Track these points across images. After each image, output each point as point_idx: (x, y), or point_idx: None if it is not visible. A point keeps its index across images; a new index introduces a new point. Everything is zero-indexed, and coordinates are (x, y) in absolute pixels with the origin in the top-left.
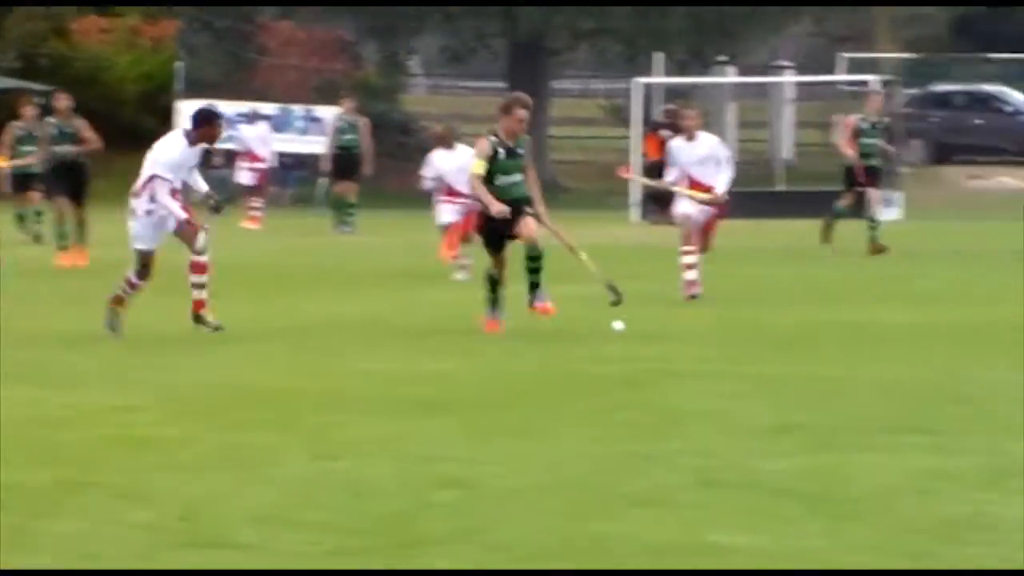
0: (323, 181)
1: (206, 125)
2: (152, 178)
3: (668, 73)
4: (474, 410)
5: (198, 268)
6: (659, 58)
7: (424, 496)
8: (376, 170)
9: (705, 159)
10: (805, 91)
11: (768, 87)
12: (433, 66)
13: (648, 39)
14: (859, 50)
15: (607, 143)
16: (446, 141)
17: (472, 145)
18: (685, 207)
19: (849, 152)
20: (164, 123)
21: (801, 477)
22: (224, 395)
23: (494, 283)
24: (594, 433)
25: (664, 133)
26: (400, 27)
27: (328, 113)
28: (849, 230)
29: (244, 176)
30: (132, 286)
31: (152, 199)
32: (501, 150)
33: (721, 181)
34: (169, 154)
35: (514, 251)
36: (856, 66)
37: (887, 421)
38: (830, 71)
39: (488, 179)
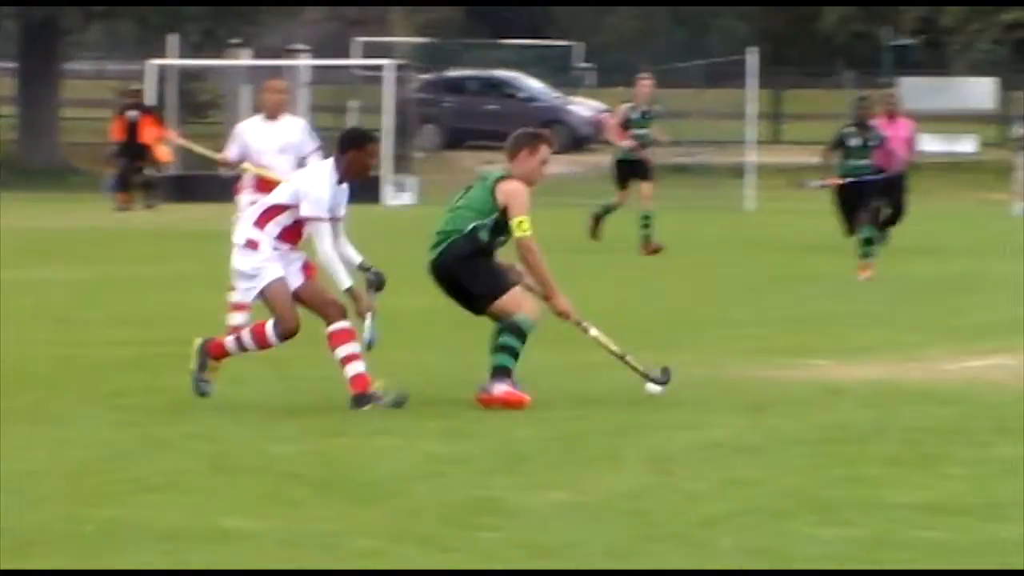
0: None
1: (353, 150)
2: (301, 218)
3: (182, 55)
4: None
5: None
6: (173, 40)
7: None
8: None
9: (286, 147)
10: (320, 75)
11: (283, 70)
12: None
13: (162, 20)
14: (373, 34)
15: None
16: None
17: None
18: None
19: (623, 142)
20: None
21: (312, 461)
22: None
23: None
24: (105, 417)
25: (130, 114)
26: None
27: None
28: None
29: None
30: (262, 342)
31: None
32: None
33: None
34: (320, 189)
35: None
36: (370, 50)
37: None
38: (345, 55)
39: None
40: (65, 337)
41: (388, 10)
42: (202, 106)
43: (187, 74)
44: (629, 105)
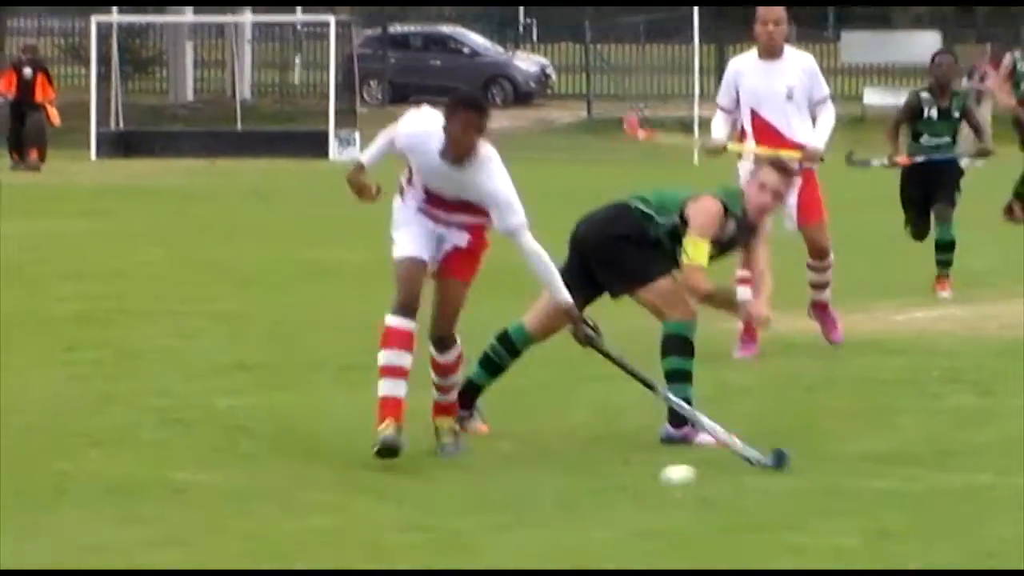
0: None
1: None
2: None
3: (123, 11)
4: None
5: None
6: None
7: None
8: None
9: (792, 91)
10: (263, 31)
11: (226, 27)
12: None
13: None
14: None
15: (66, 82)
16: None
17: None
18: None
19: (1007, 101)
20: None
21: (262, 415)
22: None
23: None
24: (53, 373)
25: (25, 71)
26: None
27: None
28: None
29: None
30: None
31: None
32: None
33: None
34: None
35: None
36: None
37: (346, 359)
38: (287, 11)
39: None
40: (15, 292)
41: None
42: (145, 62)
43: (129, 30)
44: (1016, 54)
